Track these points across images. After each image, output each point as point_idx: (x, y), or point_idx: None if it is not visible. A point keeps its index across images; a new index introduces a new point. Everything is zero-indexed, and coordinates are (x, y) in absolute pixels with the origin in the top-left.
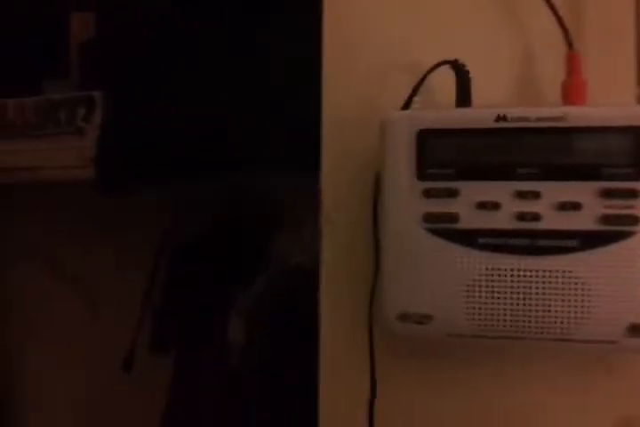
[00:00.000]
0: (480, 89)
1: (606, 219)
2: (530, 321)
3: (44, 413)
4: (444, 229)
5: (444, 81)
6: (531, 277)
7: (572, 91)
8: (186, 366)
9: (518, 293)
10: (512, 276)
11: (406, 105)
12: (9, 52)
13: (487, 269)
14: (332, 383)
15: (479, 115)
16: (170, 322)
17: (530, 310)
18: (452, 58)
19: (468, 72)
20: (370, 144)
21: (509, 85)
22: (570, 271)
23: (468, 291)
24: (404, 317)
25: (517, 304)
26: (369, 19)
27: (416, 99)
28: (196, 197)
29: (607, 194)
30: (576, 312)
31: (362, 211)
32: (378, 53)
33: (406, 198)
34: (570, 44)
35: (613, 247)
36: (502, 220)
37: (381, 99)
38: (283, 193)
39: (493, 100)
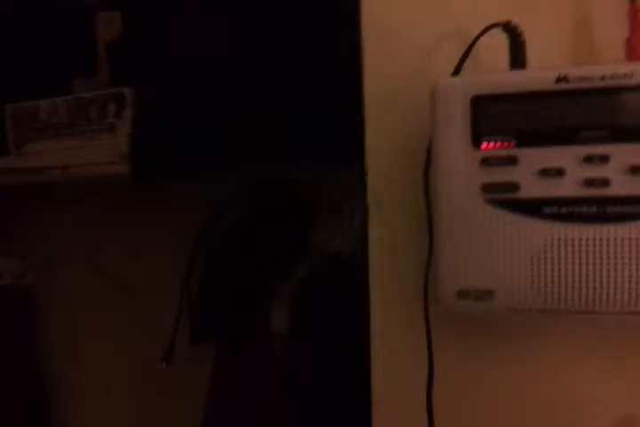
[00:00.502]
0: (534, 52)
1: None
2: (600, 294)
3: (89, 406)
4: (505, 199)
5: (494, 46)
6: (601, 246)
7: (636, 47)
8: (227, 357)
9: (587, 264)
10: (580, 246)
11: (457, 70)
12: (39, 53)
13: (553, 239)
14: (385, 369)
15: (538, 76)
16: (209, 313)
17: (600, 282)
18: (501, 21)
19: (522, 33)
20: (415, 120)
21: (565, 47)
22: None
23: (532, 264)
24: (462, 293)
25: (587, 276)
26: None
27: (466, 65)
28: (232, 187)
29: None
30: None
31: (409, 189)
32: (421, 22)
33: (462, 169)
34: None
35: None
36: (568, 187)
37: (426, 71)
38: (319, 181)
39: (549, 64)
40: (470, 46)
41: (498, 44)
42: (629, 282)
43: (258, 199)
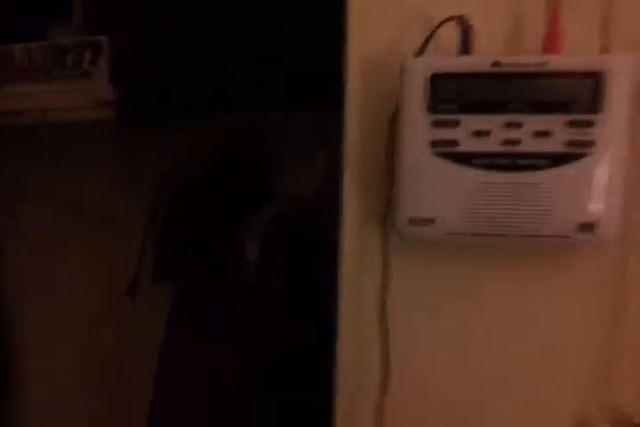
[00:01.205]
0: (480, 40)
1: (570, 143)
2: (512, 221)
3: (49, 336)
4: (447, 152)
5: (451, 34)
6: (513, 188)
7: (551, 41)
8: (191, 289)
9: (504, 200)
10: (499, 187)
11: (420, 52)
12: None
13: (480, 182)
14: (350, 281)
15: (478, 61)
16: (172, 249)
17: (511, 213)
18: (458, 14)
19: (470, 26)
20: (388, 86)
21: (504, 37)
22: (540, 184)
23: (464, 199)
24: (412, 221)
25: (502, 209)
26: None
27: (428, 49)
28: (206, 132)
29: (572, 124)
30: (543, 214)
31: (379, 140)
32: (399, 8)
33: (419, 128)
34: (553, 4)
35: (573, 165)
36: (492, 145)
37: (399, 48)
38: (289, 130)
39: (490, 50)
40: (431, 34)
41: (453, 32)
42: (532, 214)
43: (226, 142)
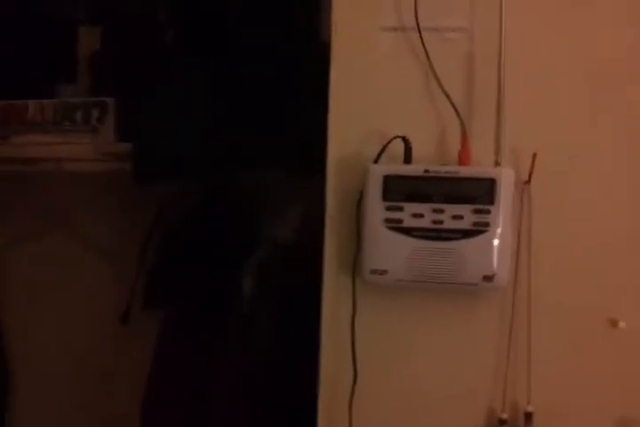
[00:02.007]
0: (417, 151)
1: (475, 224)
2: (436, 273)
3: (45, 363)
4: (395, 227)
5: (401, 145)
6: (438, 252)
7: (463, 157)
8: (180, 318)
9: (431, 259)
10: (429, 251)
11: (377, 159)
12: (25, 60)
13: (417, 247)
14: (331, 310)
15: (415, 168)
16: (162, 280)
17: (436, 268)
18: (402, 134)
19: (410, 143)
20: (356, 176)
21: (435, 150)
22: (456, 249)
23: (407, 258)
24: (372, 271)
25: (431, 265)
26: (363, 103)
27: (383, 155)
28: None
29: (476, 211)
30: (458, 268)
31: (349, 214)
32: (368, 122)
33: (376, 210)
34: (463, 128)
35: (478, 237)
36: (424, 222)
37: (364, 151)
38: (270, 188)
39: (425, 159)
40: (383, 147)
41: (400, 145)
42: (451, 268)
43: (216, 198)
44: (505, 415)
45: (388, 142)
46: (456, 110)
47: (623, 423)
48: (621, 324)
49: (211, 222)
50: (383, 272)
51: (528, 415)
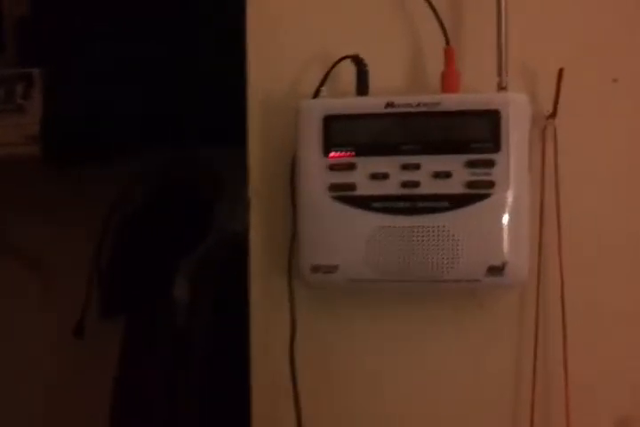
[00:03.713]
0: (377, 79)
1: (470, 184)
2: (414, 267)
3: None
4: (345, 196)
5: (351, 71)
6: (413, 231)
7: (447, 80)
8: (134, 329)
9: (405, 245)
10: (398, 231)
11: (316, 94)
12: None
13: (379, 227)
14: (260, 327)
15: (372, 102)
16: (116, 288)
17: (413, 258)
18: (353, 53)
19: (366, 65)
20: (290, 126)
21: (402, 76)
22: (442, 226)
23: (365, 245)
24: (315, 268)
25: (404, 254)
26: (290, 18)
27: (324, 88)
28: (139, 170)
29: (472, 164)
30: (448, 258)
31: (282, 184)
32: (297, 46)
33: (315, 172)
34: (447, 41)
35: (475, 206)
36: (390, 187)
37: (300, 85)
38: (221, 168)
39: (389, 89)
40: (326, 74)
41: (351, 71)
42: (433, 258)
43: (166, 180)
44: None
45: (333, 66)
46: (434, 11)
47: None
48: None
49: (164, 215)
50: (331, 269)
51: None
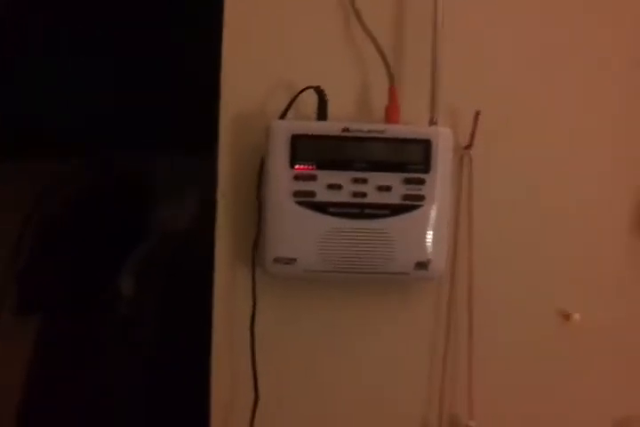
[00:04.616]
0: (334, 106)
1: (406, 197)
2: (358, 261)
3: None
4: (306, 201)
5: (311, 100)
6: (360, 233)
7: (390, 113)
8: (56, 324)
9: (352, 242)
10: (348, 232)
11: (283, 115)
12: None
13: (333, 228)
14: (223, 313)
15: (332, 126)
16: (37, 284)
17: (358, 254)
18: (315, 84)
19: (326, 95)
20: (256, 139)
21: (353, 105)
22: (382, 229)
23: (320, 242)
24: (276, 260)
25: (352, 250)
26: (263, 47)
27: (291, 111)
28: (69, 169)
29: (407, 181)
30: (385, 254)
31: (247, 187)
32: (266, 73)
33: (283, 181)
34: (391, 81)
35: (409, 214)
36: (343, 196)
37: (267, 106)
38: (155, 168)
39: (342, 116)
40: (293, 99)
41: (313, 98)
42: (376, 254)
43: (96, 182)
44: None
45: (298, 94)
46: (383, 56)
47: None
48: (576, 316)
49: (90, 211)
50: (290, 261)
51: None
